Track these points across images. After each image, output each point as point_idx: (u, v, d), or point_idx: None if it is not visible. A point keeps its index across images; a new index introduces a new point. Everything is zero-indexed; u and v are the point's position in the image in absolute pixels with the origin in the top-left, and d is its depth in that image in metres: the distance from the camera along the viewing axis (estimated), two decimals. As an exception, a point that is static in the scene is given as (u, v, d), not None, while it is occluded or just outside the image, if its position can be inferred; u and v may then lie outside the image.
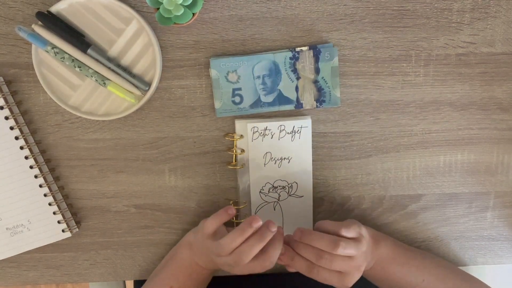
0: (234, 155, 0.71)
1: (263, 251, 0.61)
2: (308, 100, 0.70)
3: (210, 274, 0.71)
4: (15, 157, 0.69)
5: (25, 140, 0.69)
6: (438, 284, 0.68)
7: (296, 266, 0.63)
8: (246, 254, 0.60)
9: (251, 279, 0.77)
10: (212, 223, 0.64)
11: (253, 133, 0.70)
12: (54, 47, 0.65)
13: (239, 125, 0.70)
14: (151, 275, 0.73)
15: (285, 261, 0.64)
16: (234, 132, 0.71)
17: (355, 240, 0.62)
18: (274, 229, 0.60)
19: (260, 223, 0.60)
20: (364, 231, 0.65)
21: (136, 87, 0.67)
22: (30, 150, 0.70)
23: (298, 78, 0.69)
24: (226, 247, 0.60)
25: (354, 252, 0.61)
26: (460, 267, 0.74)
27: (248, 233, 0.60)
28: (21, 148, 0.69)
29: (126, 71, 0.66)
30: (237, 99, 0.70)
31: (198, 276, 0.69)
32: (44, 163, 0.71)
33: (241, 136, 0.71)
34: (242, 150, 0.71)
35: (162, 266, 0.72)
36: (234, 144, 0.71)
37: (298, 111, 0.71)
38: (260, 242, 0.60)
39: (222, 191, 0.74)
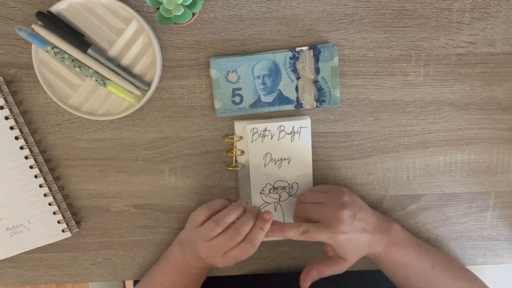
0: (234, 156, 0.71)
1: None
2: (308, 100, 0.70)
3: (201, 275, 0.70)
4: (15, 157, 0.69)
5: (25, 140, 0.69)
6: (447, 273, 0.68)
7: (288, 232, 0.63)
8: (244, 226, 0.61)
9: (250, 280, 0.77)
10: (202, 213, 0.63)
11: (253, 134, 0.70)
12: (54, 47, 0.65)
13: (238, 126, 0.70)
14: (145, 274, 0.73)
15: (277, 233, 0.64)
16: (233, 133, 0.71)
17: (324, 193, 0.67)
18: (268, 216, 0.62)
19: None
20: (341, 189, 0.67)
21: (136, 87, 0.67)
22: (30, 150, 0.70)
23: (298, 78, 0.69)
24: (221, 219, 0.61)
25: (313, 197, 0.67)
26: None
27: (240, 211, 0.63)
28: (21, 148, 0.69)
29: (126, 71, 0.66)
30: (237, 99, 0.70)
31: (189, 274, 0.69)
32: (44, 163, 0.71)
33: (241, 137, 0.71)
34: (242, 152, 0.71)
35: (156, 265, 0.73)
36: (234, 146, 0.71)
37: (297, 111, 0.71)
38: (253, 217, 0.62)
39: (222, 191, 0.73)
